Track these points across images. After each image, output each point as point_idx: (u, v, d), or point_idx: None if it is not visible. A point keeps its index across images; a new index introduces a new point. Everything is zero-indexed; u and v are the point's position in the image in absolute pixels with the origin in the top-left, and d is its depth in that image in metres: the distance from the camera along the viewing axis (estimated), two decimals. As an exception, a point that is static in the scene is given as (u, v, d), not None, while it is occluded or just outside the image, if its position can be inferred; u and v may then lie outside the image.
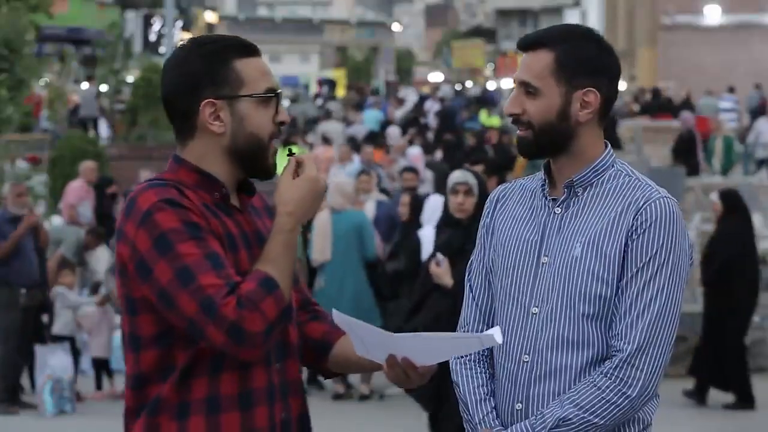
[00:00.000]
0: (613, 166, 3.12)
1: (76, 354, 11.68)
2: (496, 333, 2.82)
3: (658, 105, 31.09)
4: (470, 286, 3.26)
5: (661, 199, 3.03)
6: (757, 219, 17.05)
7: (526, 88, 3.08)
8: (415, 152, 21.95)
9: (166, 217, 2.82)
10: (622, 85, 40.61)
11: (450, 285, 6.72)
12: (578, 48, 3.08)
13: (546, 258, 3.07)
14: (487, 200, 3.30)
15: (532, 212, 3.15)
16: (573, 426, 2.96)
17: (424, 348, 2.90)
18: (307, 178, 2.94)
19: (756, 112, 33.51)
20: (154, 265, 2.81)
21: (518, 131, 3.12)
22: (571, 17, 54.48)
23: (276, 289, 2.83)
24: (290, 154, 3.02)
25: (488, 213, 3.26)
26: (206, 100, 2.93)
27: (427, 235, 10.74)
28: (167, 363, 2.88)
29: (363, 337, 2.92)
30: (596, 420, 2.96)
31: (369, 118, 29.94)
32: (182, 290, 2.78)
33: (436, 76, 64.55)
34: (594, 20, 49.49)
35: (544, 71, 3.06)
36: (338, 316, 2.90)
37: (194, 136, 2.99)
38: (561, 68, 3.06)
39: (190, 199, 2.88)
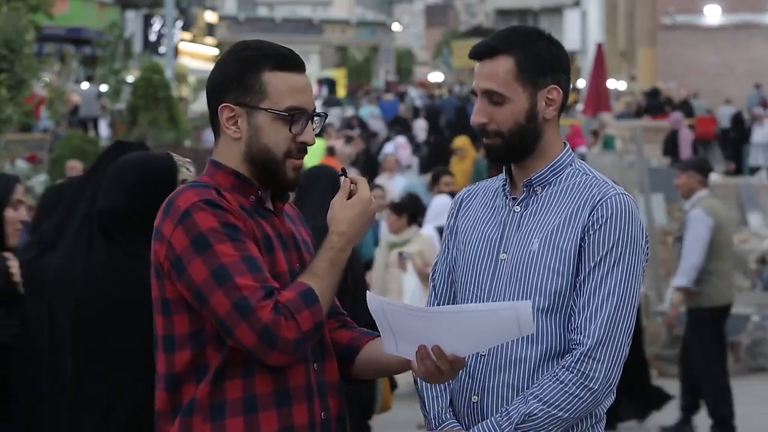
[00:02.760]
0: (571, 164, 3.18)
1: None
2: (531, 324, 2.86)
3: (657, 105, 31.11)
4: (434, 286, 3.31)
5: (617, 196, 3.09)
6: (756, 218, 17.08)
7: (491, 97, 3.11)
8: (401, 140, 22.12)
9: (205, 217, 2.87)
10: (622, 85, 40.64)
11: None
12: (534, 48, 3.12)
13: (505, 254, 3.13)
14: (452, 202, 3.35)
15: (494, 211, 3.21)
16: (538, 420, 3.00)
17: (458, 329, 2.87)
18: (360, 200, 3.01)
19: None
20: (189, 263, 2.85)
21: (485, 140, 3.16)
22: (571, 17, 54.41)
23: (315, 303, 2.88)
24: (342, 174, 3.07)
25: (452, 214, 3.32)
26: (224, 104, 2.98)
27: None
28: (200, 362, 2.92)
29: (393, 324, 2.90)
30: (561, 414, 3.00)
31: (365, 114, 30.28)
32: (217, 289, 2.83)
33: (436, 76, 64.52)
34: (594, 20, 49.45)
35: (508, 77, 3.10)
36: (372, 299, 2.90)
37: (218, 136, 3.05)
38: (523, 71, 3.11)
39: (228, 201, 2.92)
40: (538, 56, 3.12)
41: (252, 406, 2.90)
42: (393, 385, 7.23)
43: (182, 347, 2.93)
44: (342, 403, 3.08)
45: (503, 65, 3.10)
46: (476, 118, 3.14)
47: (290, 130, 2.99)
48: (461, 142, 19.48)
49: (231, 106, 2.98)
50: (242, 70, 2.98)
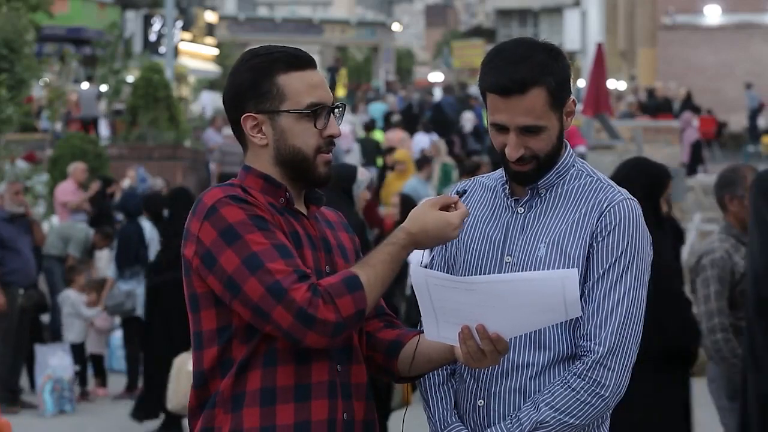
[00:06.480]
0: (574, 165, 3.15)
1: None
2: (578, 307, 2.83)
3: (656, 105, 31.13)
4: None
5: (624, 201, 3.07)
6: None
7: (528, 129, 3.05)
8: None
9: (233, 210, 2.90)
10: (622, 85, 40.63)
11: None
12: (556, 70, 3.07)
13: (509, 257, 3.10)
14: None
15: (494, 211, 3.17)
16: (550, 428, 2.99)
17: (503, 303, 2.83)
18: (446, 218, 2.97)
19: (757, 112, 33.53)
20: (220, 254, 2.88)
21: (516, 167, 3.08)
22: (571, 17, 54.34)
23: (358, 290, 2.88)
24: (458, 194, 3.04)
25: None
26: (246, 114, 3.01)
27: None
28: (226, 358, 2.94)
29: (436, 301, 2.87)
30: (572, 421, 2.99)
31: (374, 110, 30.38)
32: (250, 276, 2.85)
33: (436, 76, 64.48)
34: (594, 20, 49.42)
35: (544, 108, 3.05)
36: (416, 271, 2.88)
37: (246, 145, 3.07)
38: (554, 98, 3.06)
39: (255, 198, 2.95)
40: (560, 77, 3.06)
41: (270, 398, 2.91)
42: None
43: (210, 344, 2.96)
44: (369, 408, 3.07)
45: (538, 99, 3.03)
46: (515, 153, 3.05)
47: (315, 126, 3.01)
48: (402, 155, 17.62)
49: (253, 115, 3.01)
50: (256, 78, 3.01)
